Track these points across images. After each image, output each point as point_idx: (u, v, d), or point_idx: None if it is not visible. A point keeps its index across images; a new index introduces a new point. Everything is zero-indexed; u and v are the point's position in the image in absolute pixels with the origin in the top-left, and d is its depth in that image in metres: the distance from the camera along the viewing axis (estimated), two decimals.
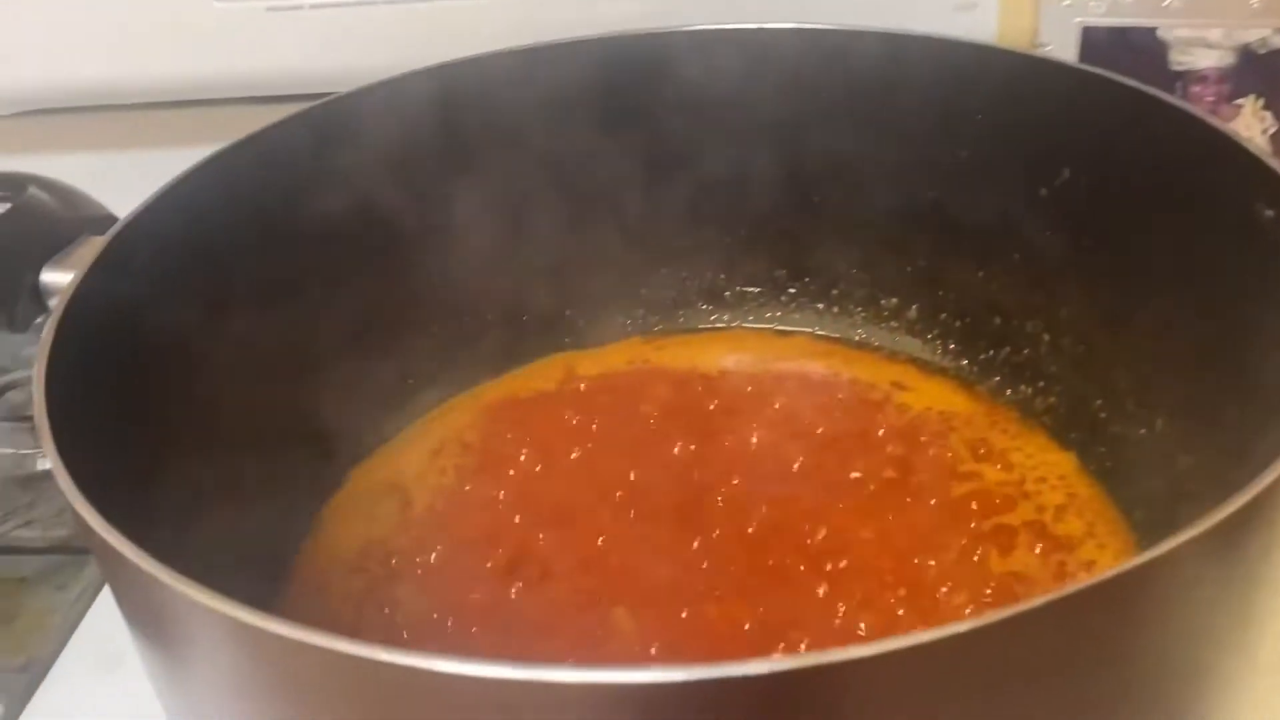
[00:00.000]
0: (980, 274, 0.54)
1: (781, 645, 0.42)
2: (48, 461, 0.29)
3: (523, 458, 0.52)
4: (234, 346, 0.46)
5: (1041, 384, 0.52)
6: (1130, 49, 0.61)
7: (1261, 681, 0.34)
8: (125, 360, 0.39)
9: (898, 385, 0.54)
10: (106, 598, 0.54)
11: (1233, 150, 0.40)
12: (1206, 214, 0.42)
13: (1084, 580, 0.26)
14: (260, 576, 0.46)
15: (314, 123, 0.50)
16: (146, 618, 0.28)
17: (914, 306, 0.56)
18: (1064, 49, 0.62)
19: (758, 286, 0.59)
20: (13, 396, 0.63)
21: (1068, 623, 0.26)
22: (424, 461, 0.53)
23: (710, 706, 0.24)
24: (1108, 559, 0.45)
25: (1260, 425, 0.38)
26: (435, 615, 0.45)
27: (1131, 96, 0.45)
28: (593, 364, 0.58)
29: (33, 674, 0.49)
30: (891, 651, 0.24)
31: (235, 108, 0.67)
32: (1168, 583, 0.28)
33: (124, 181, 0.46)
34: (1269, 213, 0.38)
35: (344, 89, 0.51)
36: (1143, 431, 0.47)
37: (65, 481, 0.28)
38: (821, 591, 0.44)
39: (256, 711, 0.28)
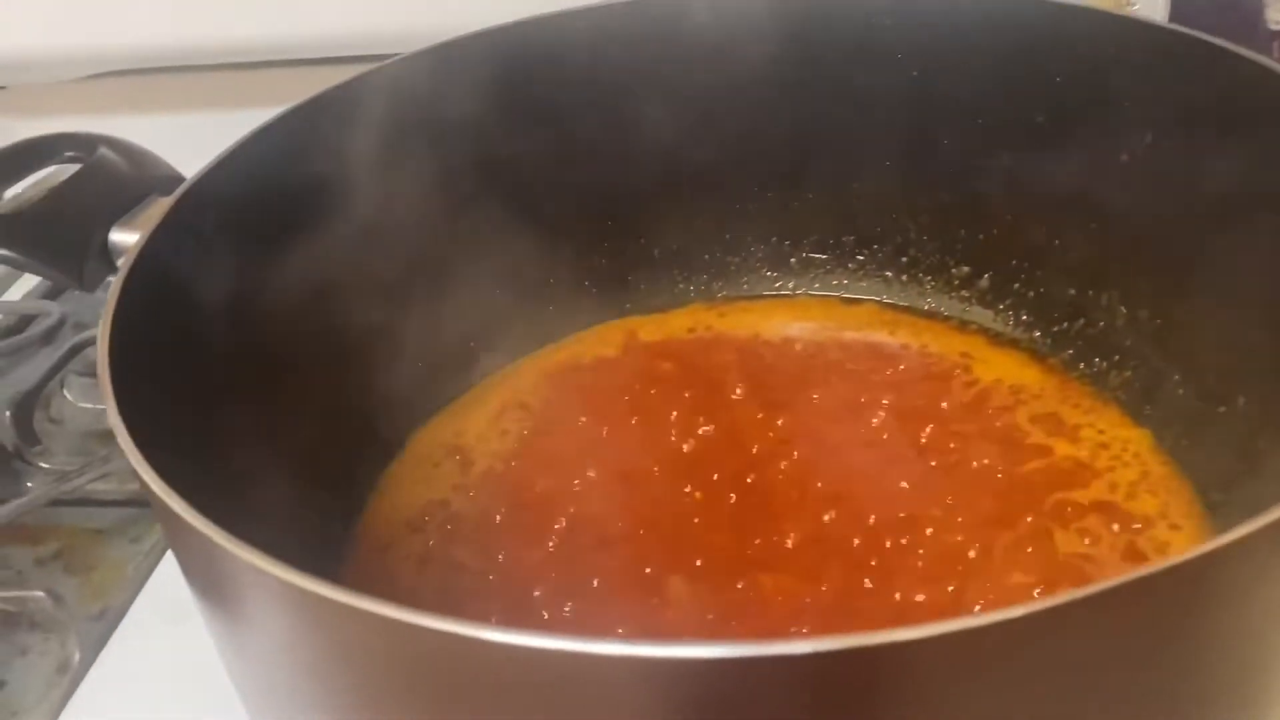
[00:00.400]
0: (1056, 243, 0.52)
1: (839, 620, 0.41)
2: None
3: (583, 422, 0.52)
4: (296, 309, 0.46)
5: (1116, 358, 0.50)
6: (1222, 8, 0.58)
7: None
8: (189, 320, 0.40)
9: (967, 356, 0.53)
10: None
11: None
12: None
13: (1154, 564, 0.25)
14: (326, 537, 0.47)
15: (379, 83, 0.50)
16: (203, 578, 0.28)
17: (986, 276, 0.55)
18: (1153, 9, 0.59)
19: (824, 253, 0.58)
20: (89, 353, 0.65)
21: (1135, 608, 0.25)
22: (484, 424, 0.53)
23: (756, 684, 0.23)
24: (1181, 540, 0.43)
25: None
26: (492, 578, 0.45)
27: (1222, 57, 0.43)
28: (655, 329, 0.57)
29: (107, 623, 0.50)
30: (943, 634, 0.23)
31: (302, 69, 0.68)
32: (1241, 569, 0.26)
33: (192, 142, 0.47)
34: None
35: (409, 49, 0.51)
36: (1222, 409, 0.45)
37: (124, 439, 0.29)
38: (881, 566, 0.43)
39: (309, 672, 0.28)
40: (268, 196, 0.45)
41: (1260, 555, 0.26)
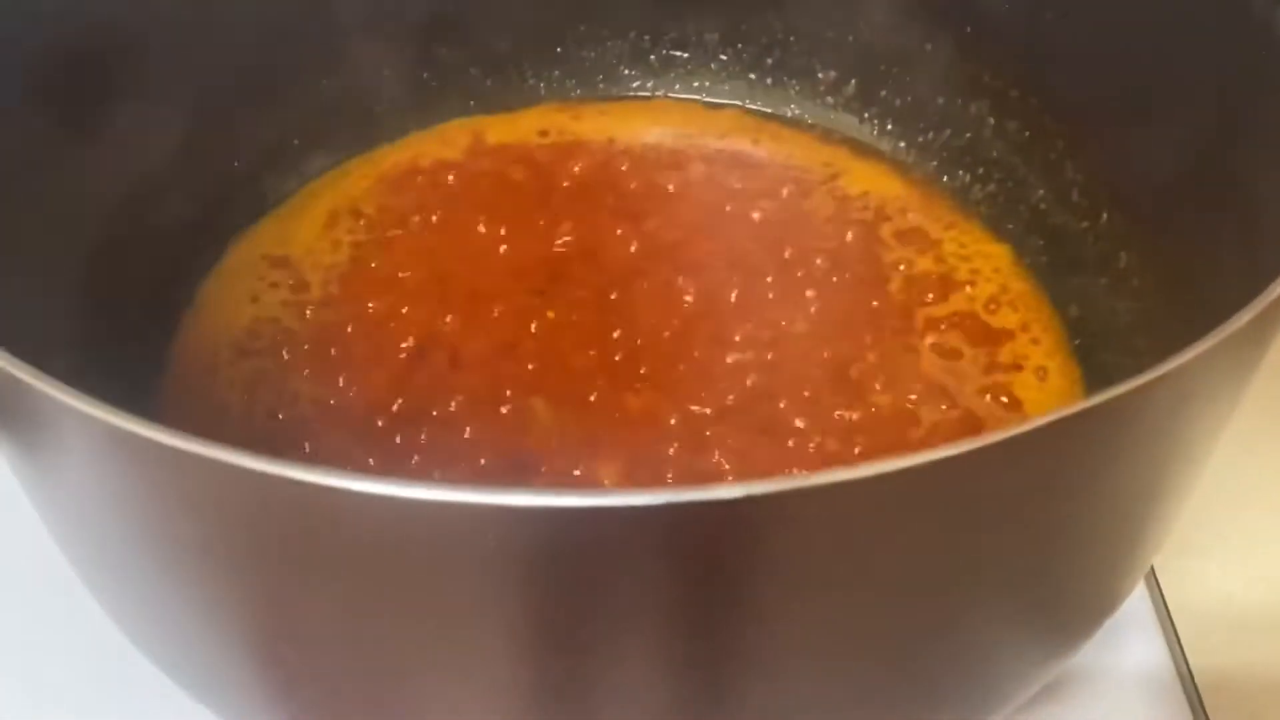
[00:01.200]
0: (928, 47, 0.50)
1: (708, 440, 0.40)
2: None
3: (426, 233, 0.47)
4: (84, 91, 0.39)
5: (981, 170, 0.49)
6: None
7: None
8: None
9: (831, 167, 0.51)
10: None
11: None
12: None
13: (1038, 419, 0.23)
14: (139, 356, 0.42)
15: None
16: (10, 423, 0.23)
17: (853, 81, 0.52)
18: None
19: (685, 50, 0.54)
20: None
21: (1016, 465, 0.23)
22: (314, 234, 0.48)
23: (617, 534, 0.21)
24: (1039, 356, 0.44)
25: (1214, 226, 0.37)
26: (334, 403, 0.41)
27: None
28: (503, 131, 0.52)
29: None
30: (814, 486, 0.20)
31: None
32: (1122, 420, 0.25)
33: None
34: None
35: None
36: (1085, 225, 0.45)
37: None
38: (750, 383, 0.42)
39: (133, 519, 0.24)
40: None
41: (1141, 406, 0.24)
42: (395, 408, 0.41)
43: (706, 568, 0.20)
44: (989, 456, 0.20)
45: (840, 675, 0.25)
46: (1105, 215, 0.44)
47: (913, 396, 0.42)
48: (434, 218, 0.48)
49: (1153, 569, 0.44)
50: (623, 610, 0.21)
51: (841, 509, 0.20)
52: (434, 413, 0.40)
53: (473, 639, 0.22)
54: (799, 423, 0.41)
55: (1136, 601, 0.43)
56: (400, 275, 0.46)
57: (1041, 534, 0.24)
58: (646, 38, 0.54)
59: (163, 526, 0.23)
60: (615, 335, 0.44)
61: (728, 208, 0.49)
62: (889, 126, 0.52)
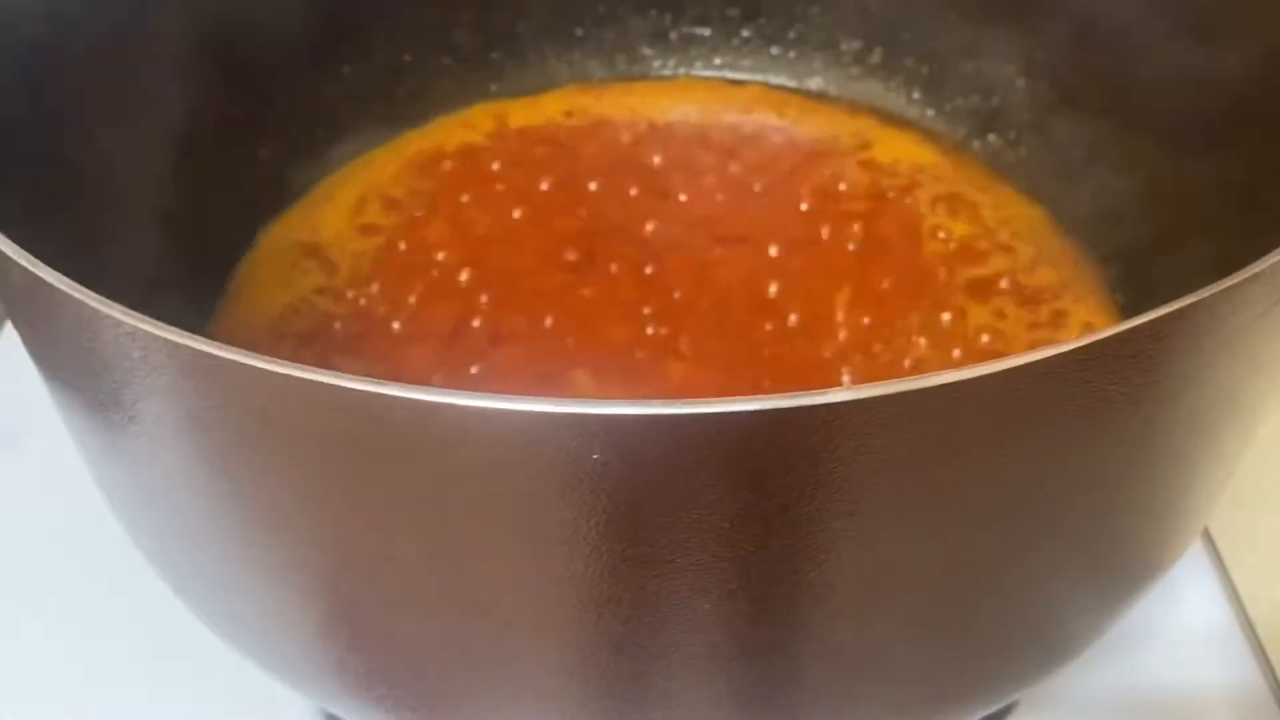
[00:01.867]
0: (952, 13, 0.49)
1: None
2: None
3: (456, 216, 0.47)
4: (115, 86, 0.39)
5: (1012, 134, 0.49)
6: None
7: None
8: None
9: (860, 137, 0.50)
10: None
11: None
12: None
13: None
14: None
15: None
16: (70, 366, 0.23)
17: (878, 50, 0.52)
18: None
19: (707, 27, 0.54)
20: None
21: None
22: (343, 219, 0.47)
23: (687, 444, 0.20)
24: (1083, 313, 0.43)
25: (1253, 182, 0.37)
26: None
27: None
28: (526, 113, 0.52)
29: None
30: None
31: None
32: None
33: None
34: None
35: None
36: (1124, 181, 0.45)
37: None
38: (791, 350, 0.42)
39: (207, 452, 0.23)
40: None
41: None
42: (438, 382, 0.40)
43: (808, 479, 0.19)
44: (1103, 350, 0.20)
45: (920, 611, 0.25)
46: (1142, 173, 0.44)
47: (957, 353, 0.42)
48: (463, 199, 0.48)
49: (1206, 529, 0.43)
50: (715, 526, 0.20)
51: (950, 413, 0.19)
52: (477, 388, 0.40)
53: (556, 561, 0.21)
54: (846, 384, 0.40)
55: (1192, 557, 0.42)
56: (432, 257, 0.45)
57: (1131, 445, 0.23)
58: (667, 16, 0.53)
59: (237, 454, 0.23)
60: (652, 309, 0.43)
61: (758, 181, 0.49)
62: (915, 95, 0.51)
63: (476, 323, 0.42)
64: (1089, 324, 0.43)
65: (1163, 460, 0.25)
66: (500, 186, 0.48)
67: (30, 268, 0.21)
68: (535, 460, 0.20)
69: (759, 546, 0.21)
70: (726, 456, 0.19)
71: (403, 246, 0.46)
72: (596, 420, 0.19)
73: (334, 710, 0.31)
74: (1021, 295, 0.44)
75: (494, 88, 0.53)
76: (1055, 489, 0.24)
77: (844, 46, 0.52)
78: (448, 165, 0.50)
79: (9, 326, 0.50)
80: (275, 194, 0.47)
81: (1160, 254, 0.42)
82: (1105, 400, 0.22)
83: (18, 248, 0.21)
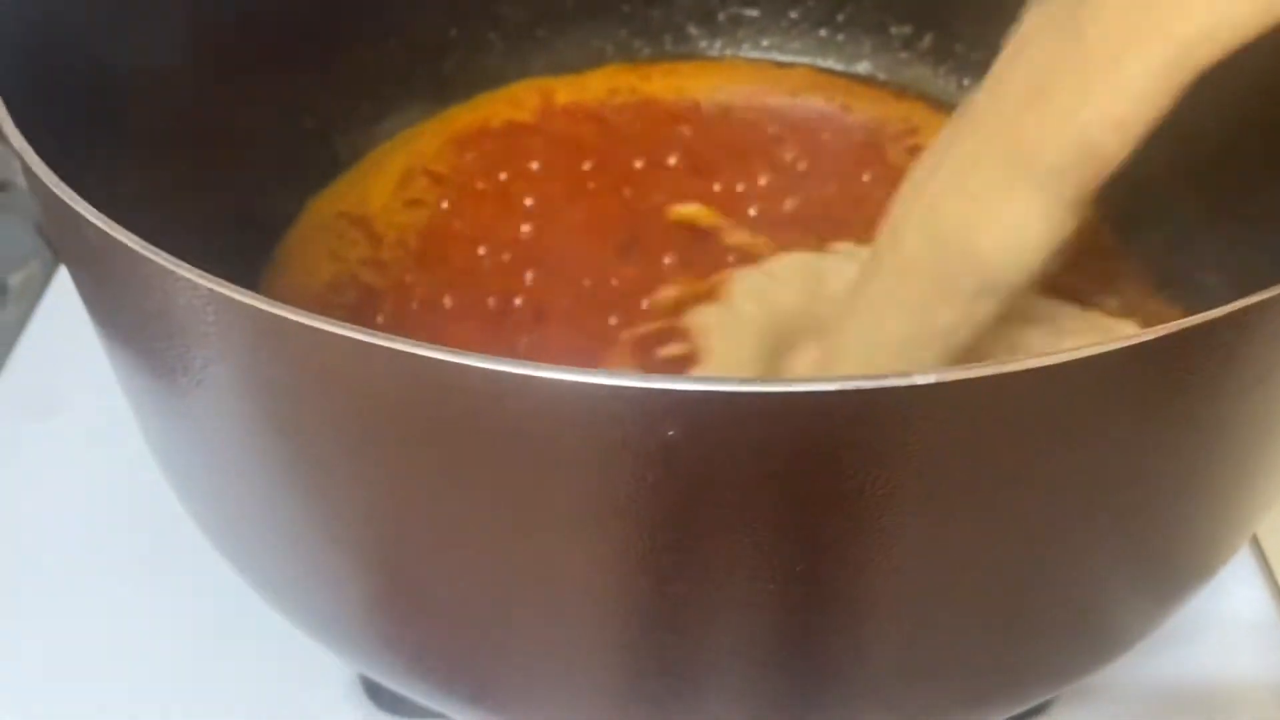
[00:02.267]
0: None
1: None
2: None
3: (500, 193, 0.47)
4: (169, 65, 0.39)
5: None
6: None
7: None
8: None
9: (908, 122, 0.50)
10: (28, 341, 0.48)
11: None
12: None
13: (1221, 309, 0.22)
14: None
15: None
16: (144, 329, 0.23)
17: (928, 36, 0.51)
18: None
19: (755, 9, 0.53)
20: None
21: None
22: (389, 193, 0.47)
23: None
24: (1117, 304, 0.43)
25: None
26: None
27: None
28: (572, 91, 0.52)
29: None
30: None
31: None
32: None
33: None
34: None
35: None
36: (1164, 173, 0.44)
37: (41, 168, 0.23)
38: None
39: (272, 414, 0.23)
40: None
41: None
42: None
43: (885, 461, 0.19)
44: (1183, 340, 0.19)
45: (979, 599, 0.25)
46: (1183, 161, 0.43)
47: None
48: (506, 176, 0.48)
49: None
50: (785, 506, 0.20)
51: (1031, 399, 0.19)
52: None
53: (619, 536, 0.21)
54: None
55: (1240, 557, 0.42)
56: (477, 233, 0.45)
57: (1201, 439, 0.23)
58: None
59: (308, 419, 0.23)
60: (700, 290, 0.43)
61: (803, 164, 0.48)
62: (965, 81, 0.51)
63: (519, 300, 0.42)
64: (1133, 313, 0.42)
65: (1229, 456, 0.25)
66: (544, 164, 0.48)
67: (106, 229, 0.21)
68: (607, 434, 0.20)
69: (829, 528, 0.21)
70: (803, 436, 0.19)
71: (447, 221, 0.46)
72: (671, 396, 0.19)
73: (382, 680, 0.31)
74: (1066, 286, 0.44)
75: (539, 65, 0.52)
76: (1123, 481, 0.23)
77: (894, 31, 0.52)
78: (492, 141, 0.49)
79: (45, 301, 0.50)
80: (322, 166, 0.47)
81: (1205, 246, 0.42)
82: (1182, 391, 0.21)
83: (93, 209, 0.21)
